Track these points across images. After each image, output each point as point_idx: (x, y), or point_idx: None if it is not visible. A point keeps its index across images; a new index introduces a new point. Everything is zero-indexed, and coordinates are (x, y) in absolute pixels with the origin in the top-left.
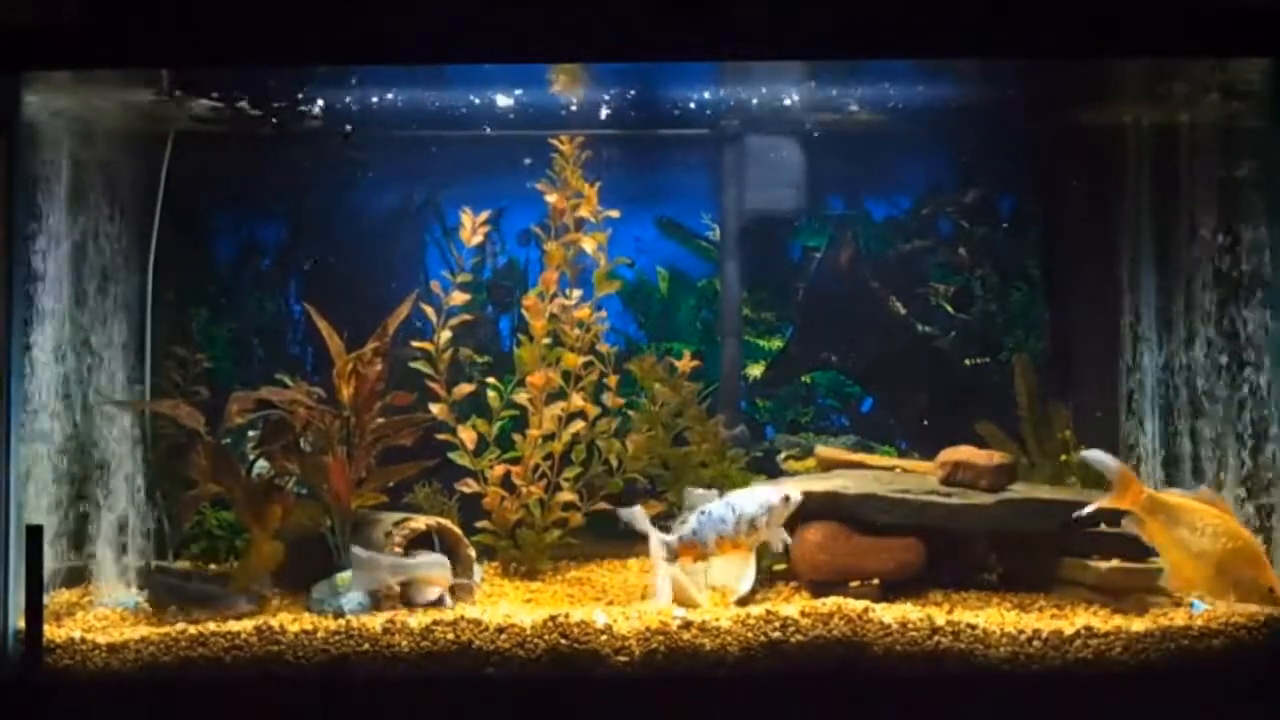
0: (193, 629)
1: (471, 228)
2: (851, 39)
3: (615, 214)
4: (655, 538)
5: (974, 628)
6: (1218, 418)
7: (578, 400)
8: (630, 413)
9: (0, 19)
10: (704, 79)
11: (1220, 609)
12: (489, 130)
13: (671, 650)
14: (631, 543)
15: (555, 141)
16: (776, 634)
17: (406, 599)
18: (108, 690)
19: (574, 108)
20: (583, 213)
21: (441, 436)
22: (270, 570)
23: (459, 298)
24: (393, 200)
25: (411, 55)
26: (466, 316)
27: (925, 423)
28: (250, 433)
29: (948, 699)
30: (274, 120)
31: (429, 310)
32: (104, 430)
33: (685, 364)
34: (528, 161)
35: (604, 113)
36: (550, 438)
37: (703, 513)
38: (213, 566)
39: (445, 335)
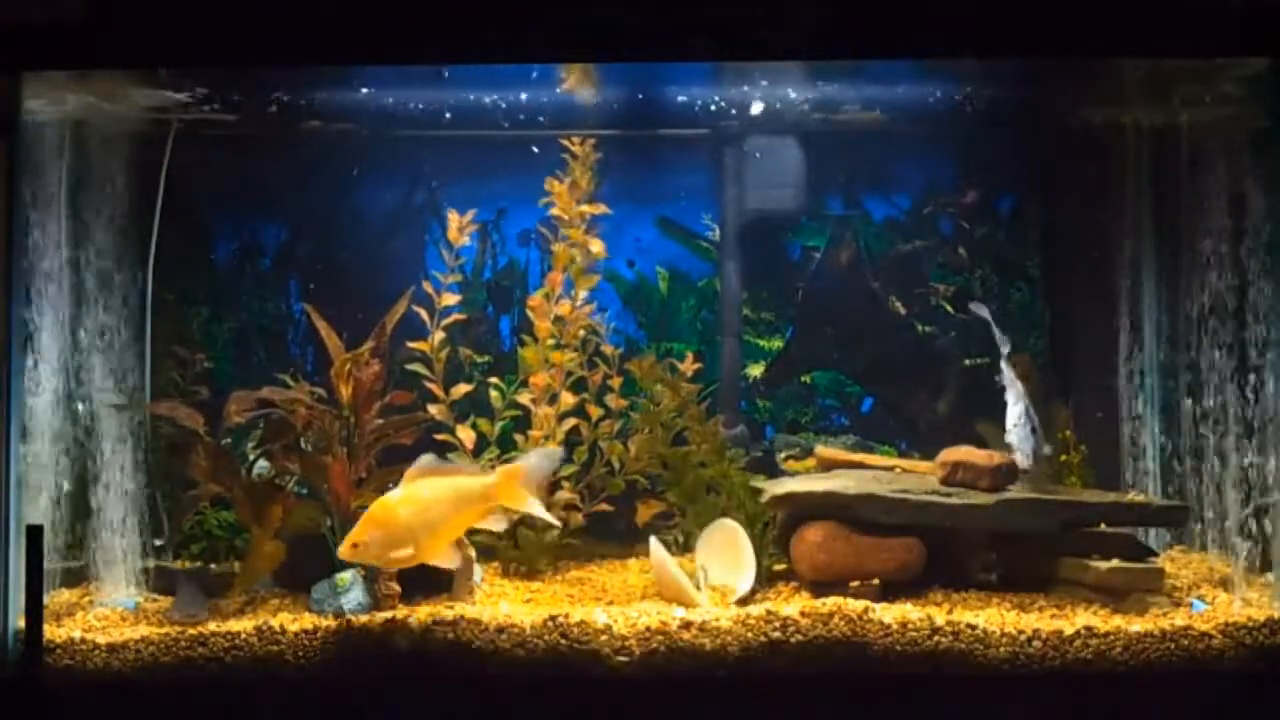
0: (192, 629)
1: (459, 227)
2: (850, 39)
3: (594, 209)
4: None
5: (974, 628)
6: (1219, 415)
7: (569, 398)
8: (631, 414)
9: (0, 19)
10: (704, 79)
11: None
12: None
13: (671, 650)
14: (632, 543)
15: (565, 142)
16: (776, 634)
17: None
18: (108, 690)
19: (574, 107)
20: (556, 210)
21: (440, 437)
22: (272, 570)
23: (450, 298)
24: (395, 200)
25: (411, 55)
26: (459, 316)
27: (926, 420)
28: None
29: (948, 699)
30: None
31: (422, 312)
32: (104, 430)
33: (686, 365)
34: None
35: (604, 112)
36: (549, 438)
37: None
38: (213, 566)
39: (439, 335)
